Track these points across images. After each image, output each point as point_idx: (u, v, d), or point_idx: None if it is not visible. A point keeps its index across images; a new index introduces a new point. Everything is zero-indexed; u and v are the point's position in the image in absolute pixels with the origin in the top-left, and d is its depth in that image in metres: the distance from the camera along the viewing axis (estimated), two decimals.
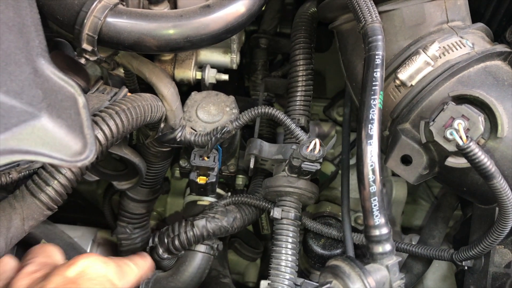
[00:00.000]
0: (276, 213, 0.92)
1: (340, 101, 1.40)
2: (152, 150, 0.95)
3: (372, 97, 0.64)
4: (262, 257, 1.33)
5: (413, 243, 1.01)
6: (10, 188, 0.70)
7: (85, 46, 0.70)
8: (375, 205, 0.61)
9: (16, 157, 0.43)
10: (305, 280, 0.89)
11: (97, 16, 0.69)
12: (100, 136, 0.65)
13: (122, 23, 0.71)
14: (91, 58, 0.72)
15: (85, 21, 0.69)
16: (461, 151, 0.63)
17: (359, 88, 0.87)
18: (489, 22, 0.97)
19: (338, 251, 1.03)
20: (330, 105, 1.41)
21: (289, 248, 0.91)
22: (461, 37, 0.79)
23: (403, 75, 0.76)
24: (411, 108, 0.77)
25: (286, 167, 0.92)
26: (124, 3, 0.78)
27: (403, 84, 0.77)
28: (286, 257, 0.90)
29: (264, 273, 1.29)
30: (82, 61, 0.72)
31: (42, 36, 0.51)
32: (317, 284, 0.89)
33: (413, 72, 0.76)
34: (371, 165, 0.62)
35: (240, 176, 1.13)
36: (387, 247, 0.62)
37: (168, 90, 0.85)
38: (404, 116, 0.78)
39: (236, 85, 1.29)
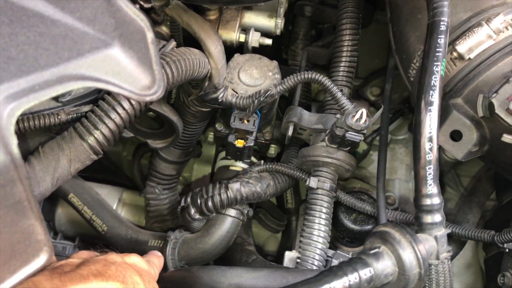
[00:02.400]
0: (312, 182, 0.91)
1: (374, 81, 1.37)
2: (192, 109, 0.93)
3: (435, 63, 0.62)
4: (283, 230, 1.32)
5: None
6: (56, 130, 0.69)
7: None
8: (429, 174, 0.60)
9: (88, 83, 0.42)
10: (338, 251, 0.88)
11: None
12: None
13: None
14: (145, 5, 0.70)
15: None
16: None
17: (410, 61, 0.85)
18: None
19: (369, 227, 1.01)
20: (363, 84, 1.38)
21: (322, 219, 0.90)
22: None
23: (462, 47, 0.74)
24: (466, 82, 0.75)
25: (326, 137, 0.91)
26: None
27: (460, 56, 0.75)
28: (319, 227, 0.89)
29: (285, 246, 1.28)
30: (136, 7, 0.70)
31: None
32: (350, 256, 0.89)
33: (473, 44, 0.73)
34: (430, 133, 0.60)
35: (273, 145, 1.12)
36: (437, 217, 0.61)
37: (216, 48, 0.83)
38: (458, 90, 0.76)
39: (274, 54, 1.26)
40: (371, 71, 1.38)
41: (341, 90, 0.97)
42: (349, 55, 1.00)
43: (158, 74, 0.46)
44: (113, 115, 0.66)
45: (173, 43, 0.78)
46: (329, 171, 0.92)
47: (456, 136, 0.76)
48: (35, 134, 0.67)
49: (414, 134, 0.61)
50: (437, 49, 0.63)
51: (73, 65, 0.41)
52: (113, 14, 0.45)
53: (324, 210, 0.90)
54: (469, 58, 0.74)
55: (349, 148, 0.91)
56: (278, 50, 1.32)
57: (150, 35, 0.48)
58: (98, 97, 0.69)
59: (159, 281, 0.67)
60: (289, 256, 0.94)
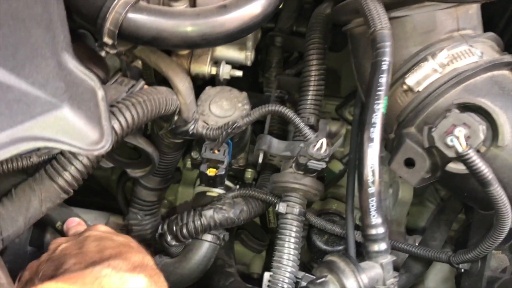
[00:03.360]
0: (281, 207, 0.96)
1: (352, 101, 1.41)
2: (166, 141, 0.98)
3: (376, 101, 0.67)
4: (267, 249, 1.36)
5: (416, 244, 1.03)
6: (30, 171, 0.74)
7: (106, 39, 0.73)
8: (372, 205, 0.64)
9: (39, 143, 0.47)
10: (306, 274, 0.92)
11: (119, 11, 0.73)
12: (116, 126, 0.69)
13: (142, 19, 0.74)
14: (111, 51, 0.76)
15: (107, 16, 0.72)
16: (460, 158, 0.65)
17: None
18: (502, 32, 0.98)
19: (340, 247, 1.05)
20: (342, 104, 1.43)
21: (291, 242, 0.94)
22: (471, 46, 0.81)
23: (411, 80, 0.78)
24: (417, 113, 0.79)
25: (293, 164, 0.95)
26: None
27: (410, 89, 0.79)
28: (288, 250, 0.93)
29: (269, 265, 1.32)
30: (103, 53, 0.75)
31: (67, 31, 0.55)
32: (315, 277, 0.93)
33: (421, 78, 0.78)
34: (371, 167, 0.64)
35: (249, 170, 1.17)
36: (382, 246, 0.65)
37: (183, 84, 0.88)
38: (410, 120, 0.80)
39: (250, 80, 1.31)
40: (353, 90, 1.43)
41: (308, 118, 1.02)
42: (316, 84, 1.04)
43: (107, 129, 0.51)
44: (81, 157, 0.71)
45: (141, 83, 0.83)
46: (297, 196, 0.97)
47: (410, 163, 0.80)
48: (10, 175, 0.72)
49: (358, 169, 0.66)
50: (378, 88, 0.68)
51: (26, 127, 0.46)
52: (63, 77, 0.50)
53: (293, 234, 0.95)
54: (418, 91, 0.79)
55: (315, 174, 0.96)
56: (255, 75, 1.38)
57: (100, 93, 0.53)
58: None
59: None
60: (267, 277, 0.98)
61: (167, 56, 0.88)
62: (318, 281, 0.61)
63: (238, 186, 1.06)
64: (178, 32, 0.74)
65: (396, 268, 1.02)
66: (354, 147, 1.07)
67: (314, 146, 0.87)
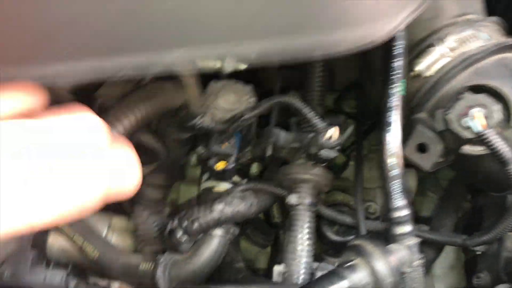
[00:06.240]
0: (292, 199, 0.95)
1: (350, 93, 1.42)
2: (172, 136, 0.97)
3: (393, 85, 0.67)
4: (272, 244, 1.35)
5: None
6: None
7: None
8: (395, 188, 0.64)
9: None
10: (321, 264, 0.92)
11: None
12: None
13: None
14: None
15: None
16: (480, 138, 0.66)
17: (377, 77, 0.90)
18: (502, 16, 1.00)
19: (351, 237, 1.05)
20: (340, 97, 1.43)
21: (305, 233, 0.94)
22: (477, 30, 0.82)
23: (420, 66, 0.79)
24: (428, 97, 0.80)
25: (303, 155, 0.95)
26: None
27: (419, 74, 0.80)
28: (302, 241, 0.93)
29: (275, 260, 1.32)
30: None
31: None
32: (333, 267, 0.92)
33: (430, 63, 0.78)
34: (392, 150, 0.65)
35: (255, 163, 1.16)
36: (407, 228, 0.65)
37: (189, 78, 0.87)
38: (421, 105, 0.81)
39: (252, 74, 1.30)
40: (348, 83, 1.43)
41: (315, 109, 1.02)
42: (321, 75, 1.04)
43: None
44: None
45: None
46: (308, 187, 0.96)
47: (422, 148, 0.81)
48: None
49: (380, 152, 0.66)
50: (394, 72, 0.68)
51: None
52: None
53: (305, 225, 0.94)
54: (428, 75, 0.79)
55: (325, 163, 0.96)
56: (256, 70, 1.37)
57: None
58: None
59: None
60: (277, 270, 0.97)
61: None
62: (346, 264, 0.61)
63: (245, 180, 1.05)
64: None
65: None
66: (360, 138, 1.08)
67: (325, 134, 0.86)
